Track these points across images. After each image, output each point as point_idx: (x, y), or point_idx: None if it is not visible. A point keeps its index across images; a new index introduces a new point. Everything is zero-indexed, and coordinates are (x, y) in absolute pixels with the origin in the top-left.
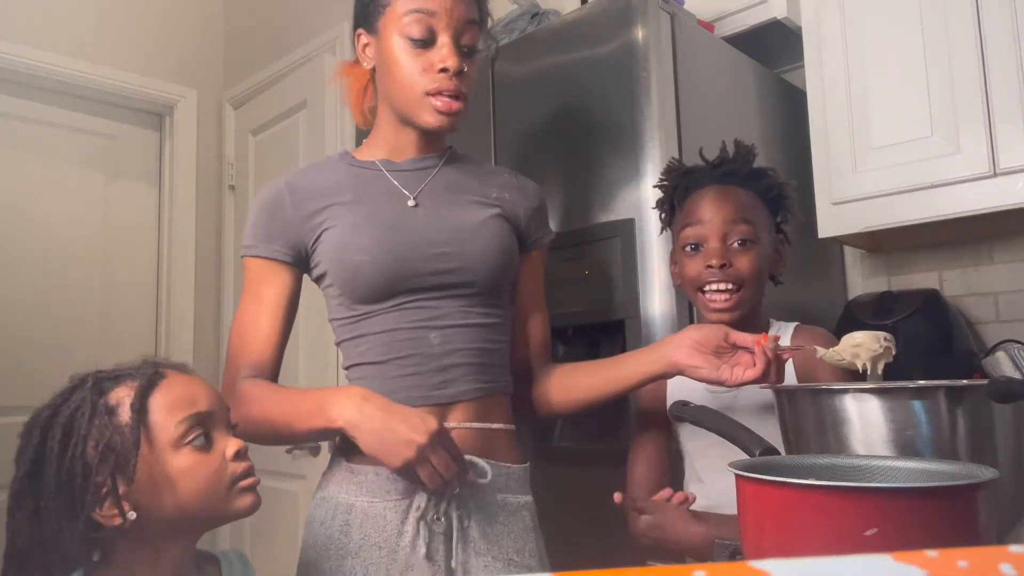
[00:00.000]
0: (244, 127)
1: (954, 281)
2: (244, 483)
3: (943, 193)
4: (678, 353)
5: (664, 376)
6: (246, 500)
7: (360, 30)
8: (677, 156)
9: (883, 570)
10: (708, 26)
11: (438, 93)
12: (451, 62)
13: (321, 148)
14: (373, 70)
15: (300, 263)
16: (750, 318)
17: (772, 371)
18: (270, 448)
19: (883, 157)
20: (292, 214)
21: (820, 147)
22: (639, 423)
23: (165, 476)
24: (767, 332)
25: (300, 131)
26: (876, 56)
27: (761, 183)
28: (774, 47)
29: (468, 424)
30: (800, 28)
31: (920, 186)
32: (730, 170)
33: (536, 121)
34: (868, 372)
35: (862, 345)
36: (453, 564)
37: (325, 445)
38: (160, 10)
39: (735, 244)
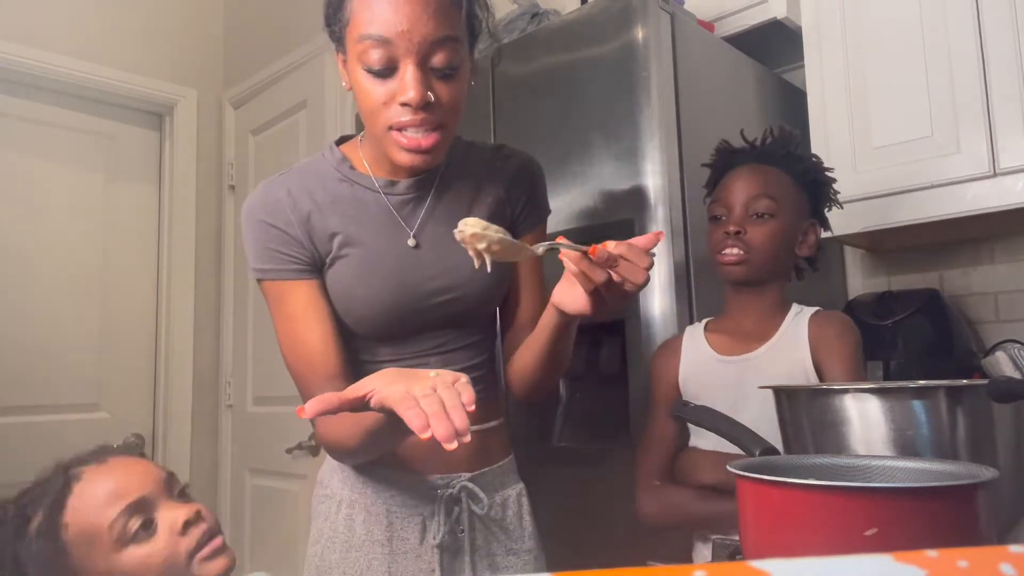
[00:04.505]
0: (244, 127)
1: (954, 281)
2: (203, 553)
3: (943, 193)
4: (555, 292)
5: (563, 319)
6: (214, 567)
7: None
8: (677, 156)
9: (883, 570)
10: (708, 26)
11: (401, 129)
12: (412, 94)
13: (321, 148)
14: None
15: (318, 272)
16: (771, 294)
17: (593, 277)
18: (270, 448)
19: (883, 157)
20: (300, 234)
21: (820, 147)
22: (653, 386)
23: None
24: (787, 315)
25: (300, 131)
26: (876, 56)
27: (797, 166)
28: (774, 47)
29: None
30: (800, 28)
31: (920, 186)
32: (768, 151)
33: (536, 121)
34: (477, 261)
35: (457, 232)
36: (456, 562)
37: None
38: (160, 10)
39: (753, 216)
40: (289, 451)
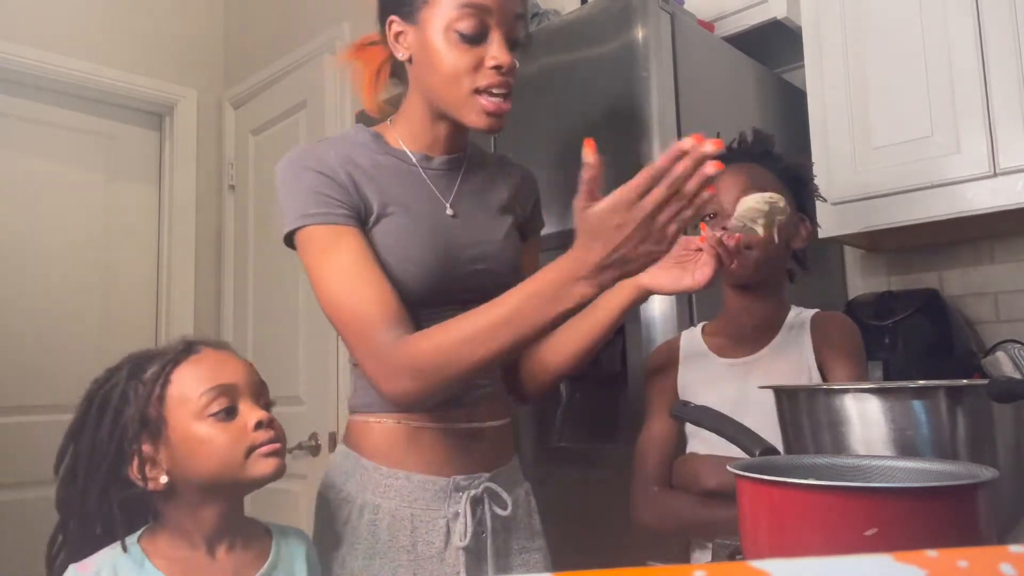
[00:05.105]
0: (244, 127)
1: (954, 281)
2: (263, 450)
3: (943, 193)
4: (641, 275)
5: (637, 301)
6: (265, 466)
7: (393, 17)
8: None
9: (883, 570)
10: (708, 26)
11: (488, 90)
12: (504, 59)
13: None
14: (389, 56)
15: (363, 226)
16: (771, 296)
17: (726, 260)
18: None
19: (883, 157)
20: (348, 183)
21: (820, 147)
22: (649, 391)
23: (189, 444)
24: (787, 317)
25: (300, 131)
26: (876, 56)
27: (778, 163)
28: (774, 47)
29: (479, 423)
30: (800, 28)
31: (920, 186)
32: (747, 151)
33: (536, 120)
34: (764, 234)
35: (753, 208)
36: (479, 563)
37: (325, 445)
38: (161, 10)
39: None
40: (289, 451)
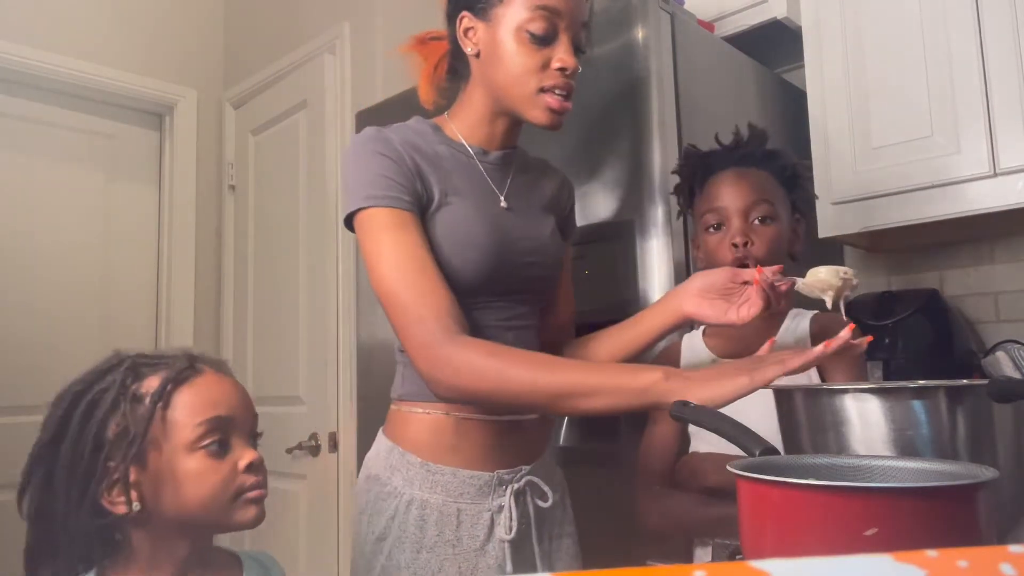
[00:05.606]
0: (244, 127)
1: (954, 281)
2: (250, 495)
3: (943, 193)
4: (686, 303)
5: (677, 327)
6: (249, 512)
7: (465, 13)
8: (677, 156)
9: (883, 570)
10: (708, 26)
11: (552, 90)
12: (570, 62)
13: (321, 148)
14: (449, 52)
15: (421, 217)
16: None
17: (774, 302)
18: (270, 448)
19: (883, 157)
20: (412, 170)
21: (820, 147)
22: None
23: (174, 475)
24: (786, 316)
25: (300, 131)
26: (876, 56)
27: (776, 163)
28: (774, 47)
29: (519, 415)
30: (800, 28)
31: (920, 186)
32: (747, 152)
33: None
34: (832, 306)
35: (825, 281)
36: (521, 553)
37: (325, 445)
38: (160, 10)
39: (755, 222)
40: (289, 451)
